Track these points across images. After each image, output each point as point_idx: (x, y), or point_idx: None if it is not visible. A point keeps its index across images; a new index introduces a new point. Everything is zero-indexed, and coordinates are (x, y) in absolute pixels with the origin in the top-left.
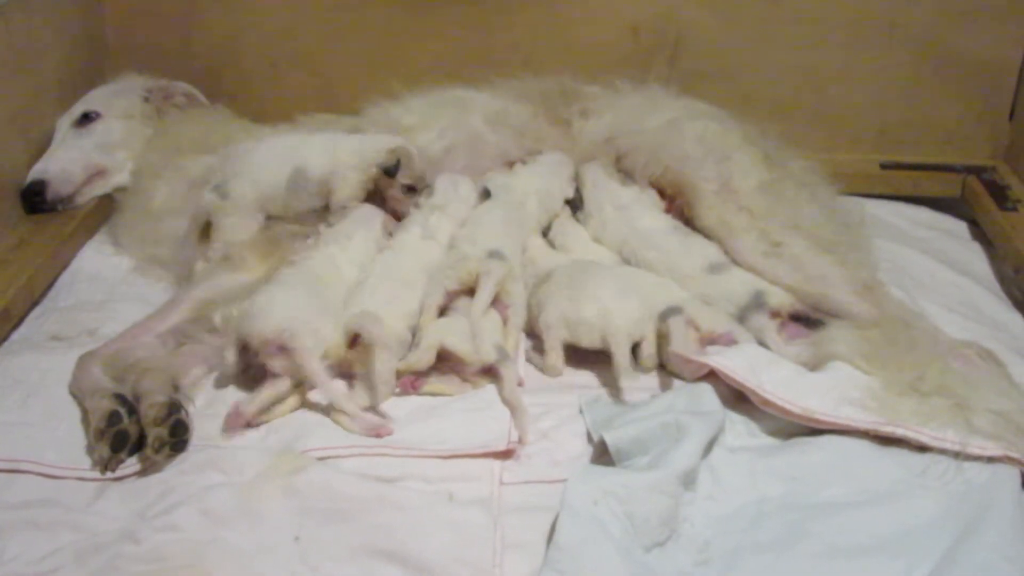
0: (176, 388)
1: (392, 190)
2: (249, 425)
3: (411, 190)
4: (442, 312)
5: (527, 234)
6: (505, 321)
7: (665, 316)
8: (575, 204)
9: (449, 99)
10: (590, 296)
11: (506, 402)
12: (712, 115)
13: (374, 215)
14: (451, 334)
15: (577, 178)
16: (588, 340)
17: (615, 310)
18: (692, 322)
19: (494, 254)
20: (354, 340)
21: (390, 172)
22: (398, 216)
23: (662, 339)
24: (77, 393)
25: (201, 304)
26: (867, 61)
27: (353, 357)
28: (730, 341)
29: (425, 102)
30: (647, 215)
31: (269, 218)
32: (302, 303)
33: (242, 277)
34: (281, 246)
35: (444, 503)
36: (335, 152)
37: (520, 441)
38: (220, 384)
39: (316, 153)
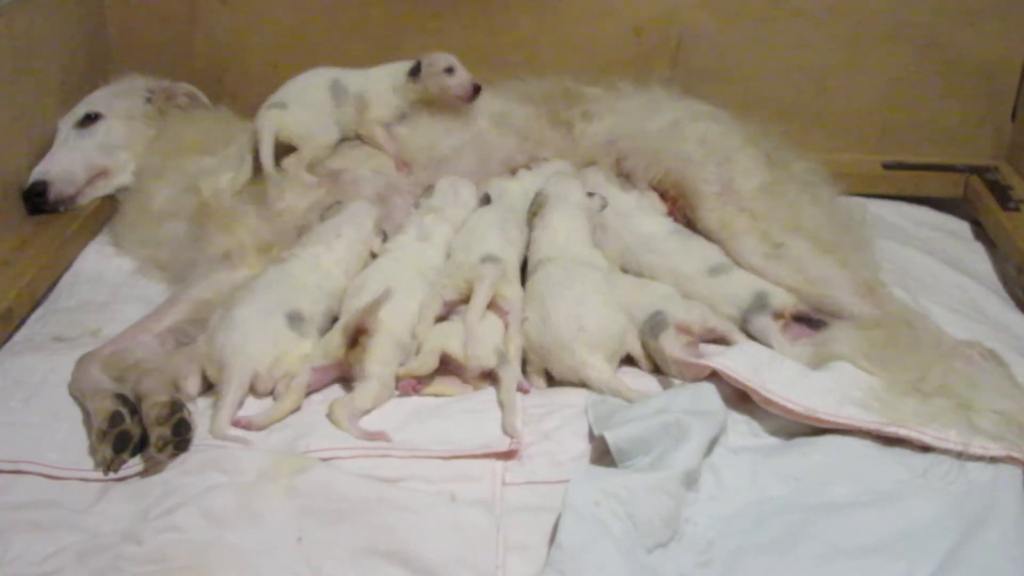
0: (177, 388)
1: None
2: (248, 427)
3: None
4: (442, 319)
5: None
6: (506, 326)
7: (654, 331)
8: None
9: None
10: (563, 323)
11: (501, 404)
12: (713, 116)
13: (367, 213)
14: (452, 339)
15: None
16: (559, 374)
17: (589, 344)
18: (681, 324)
19: (488, 258)
20: (354, 340)
21: (414, 71)
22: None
23: (656, 352)
24: (77, 395)
25: (199, 303)
26: (870, 61)
27: (353, 358)
28: (719, 334)
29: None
30: (647, 220)
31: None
32: (266, 326)
33: (240, 275)
34: (281, 241)
35: (446, 504)
36: (367, 74)
37: (516, 439)
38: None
39: (351, 75)
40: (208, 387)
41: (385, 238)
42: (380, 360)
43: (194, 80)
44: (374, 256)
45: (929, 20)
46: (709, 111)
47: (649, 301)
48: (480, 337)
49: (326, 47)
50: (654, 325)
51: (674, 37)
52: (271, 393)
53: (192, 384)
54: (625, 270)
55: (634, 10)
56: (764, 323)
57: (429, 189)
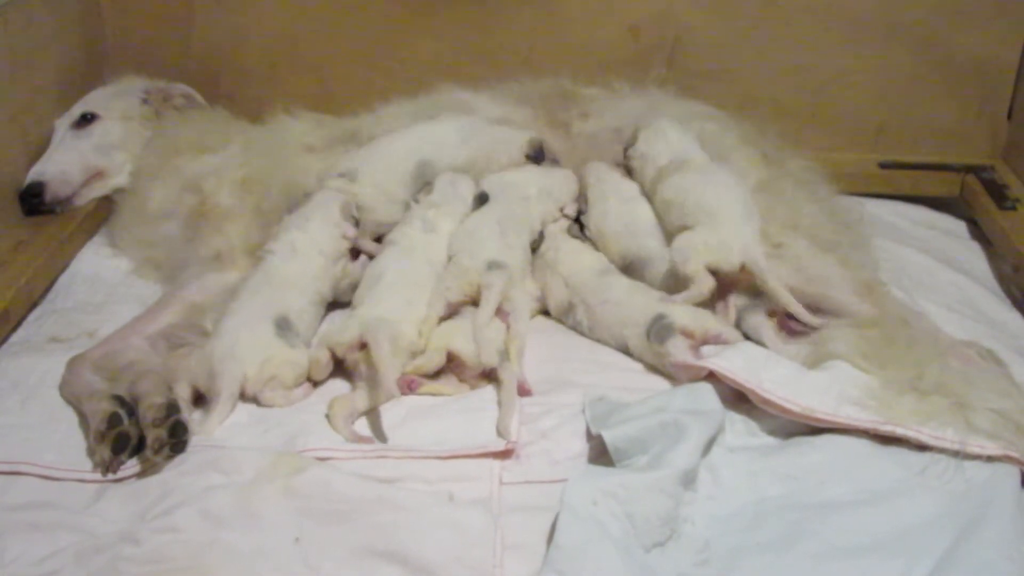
0: (172, 389)
1: None
2: None
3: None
4: (445, 318)
5: (530, 232)
6: (507, 327)
7: (660, 336)
8: (580, 214)
9: (452, 106)
10: None
11: (500, 403)
12: (709, 116)
13: (332, 199)
14: (457, 337)
15: (581, 179)
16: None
17: None
18: (685, 329)
19: (493, 265)
20: (363, 342)
21: (536, 159)
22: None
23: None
24: (70, 397)
25: (189, 306)
26: (866, 60)
27: (360, 358)
28: (722, 341)
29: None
30: (648, 207)
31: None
32: (255, 335)
33: (230, 277)
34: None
35: (444, 503)
36: (471, 143)
37: (510, 437)
38: None
39: (447, 146)
40: (199, 398)
41: (357, 223)
42: (384, 364)
43: (190, 81)
44: (347, 240)
45: (925, 19)
46: (705, 111)
47: (647, 303)
48: (484, 343)
49: (322, 48)
50: (660, 330)
51: (671, 36)
52: (260, 398)
53: (183, 392)
54: (624, 256)
55: (631, 10)
56: (758, 321)
57: (428, 186)
